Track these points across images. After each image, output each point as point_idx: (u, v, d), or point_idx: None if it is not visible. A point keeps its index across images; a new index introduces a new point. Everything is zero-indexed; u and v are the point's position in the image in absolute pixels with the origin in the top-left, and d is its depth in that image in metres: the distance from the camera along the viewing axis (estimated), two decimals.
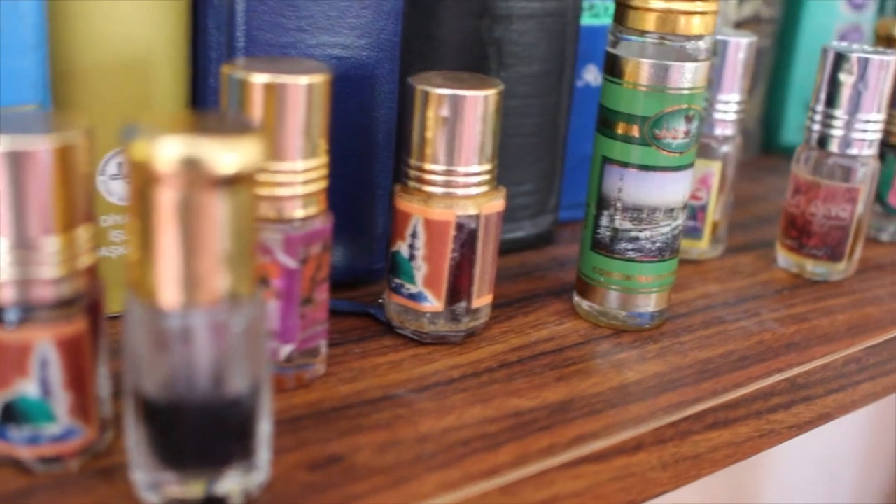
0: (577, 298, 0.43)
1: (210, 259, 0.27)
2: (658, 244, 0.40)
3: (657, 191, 0.40)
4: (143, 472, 0.29)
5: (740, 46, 0.47)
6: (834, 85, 0.46)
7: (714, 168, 0.48)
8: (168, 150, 0.26)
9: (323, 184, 0.35)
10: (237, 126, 0.27)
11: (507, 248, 0.48)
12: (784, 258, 0.49)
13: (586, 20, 0.49)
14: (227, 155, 0.26)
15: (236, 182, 0.26)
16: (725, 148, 0.48)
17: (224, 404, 0.28)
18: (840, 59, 0.46)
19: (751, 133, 0.66)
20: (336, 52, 0.39)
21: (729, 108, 0.48)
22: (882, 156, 0.53)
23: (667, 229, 0.40)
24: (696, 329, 0.42)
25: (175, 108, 0.38)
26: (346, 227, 0.42)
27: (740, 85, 0.47)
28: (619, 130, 0.39)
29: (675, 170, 0.40)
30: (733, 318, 0.44)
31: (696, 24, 0.39)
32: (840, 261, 0.48)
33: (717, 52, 0.47)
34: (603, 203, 0.40)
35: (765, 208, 0.58)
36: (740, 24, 0.62)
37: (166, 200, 0.26)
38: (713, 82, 0.47)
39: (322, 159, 0.34)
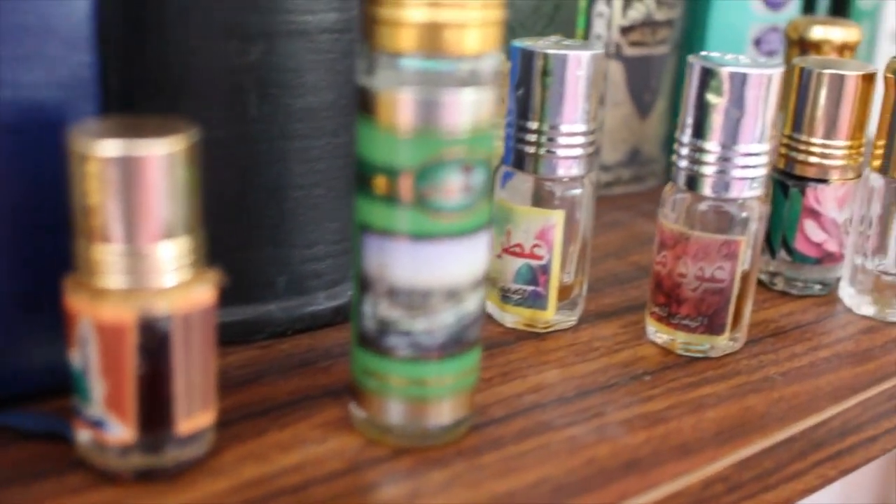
0: (352, 404, 0.32)
1: None
2: (440, 339, 0.30)
3: (431, 268, 0.29)
4: None
5: (581, 62, 0.36)
6: (702, 109, 0.36)
7: (555, 218, 0.37)
8: None
9: None
10: None
11: (295, 328, 0.38)
12: (653, 330, 0.39)
13: None
14: None
15: None
16: (573, 191, 0.38)
17: None
18: (707, 75, 0.35)
19: (650, 159, 0.55)
20: None
21: (573, 141, 0.37)
22: (784, 190, 0.43)
23: (451, 319, 0.30)
24: (507, 443, 0.32)
25: None
26: (41, 319, 0.32)
27: (585, 110, 0.37)
28: (378, 189, 0.29)
29: (453, 238, 0.29)
30: (564, 423, 0.33)
31: (473, 39, 0.28)
32: (720, 333, 0.37)
33: (552, 70, 0.36)
34: (365, 285, 0.30)
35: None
36: (629, 30, 0.51)
37: None
38: (551, 110, 0.37)
39: None
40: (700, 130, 0.36)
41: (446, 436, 0.31)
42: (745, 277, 0.37)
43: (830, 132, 0.42)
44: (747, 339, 0.39)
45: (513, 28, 0.46)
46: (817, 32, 0.48)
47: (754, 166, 0.36)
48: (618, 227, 0.50)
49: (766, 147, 0.36)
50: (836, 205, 0.42)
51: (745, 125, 0.35)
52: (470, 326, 0.30)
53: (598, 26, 0.50)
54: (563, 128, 0.37)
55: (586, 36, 0.50)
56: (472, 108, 0.28)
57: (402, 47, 0.28)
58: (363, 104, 0.29)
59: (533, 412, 0.34)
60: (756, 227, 0.37)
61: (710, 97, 0.35)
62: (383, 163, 0.29)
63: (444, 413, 0.31)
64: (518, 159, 0.38)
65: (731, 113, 0.35)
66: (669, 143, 0.56)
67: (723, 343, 0.38)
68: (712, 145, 0.36)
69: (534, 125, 0.37)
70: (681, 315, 0.37)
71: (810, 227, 0.42)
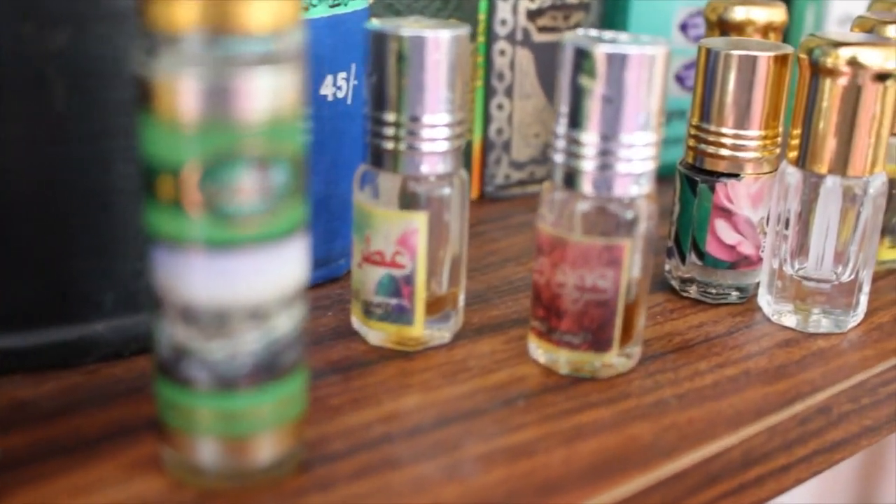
0: (161, 443, 0.28)
1: None
2: (247, 366, 0.26)
3: (228, 283, 0.25)
4: None
5: (440, 44, 0.32)
6: (577, 95, 0.31)
7: (416, 222, 0.33)
8: None
9: None
10: None
11: (130, 350, 0.33)
12: (535, 347, 0.34)
13: None
14: None
15: None
16: (442, 190, 0.33)
17: None
18: (580, 56, 0.31)
19: None
20: None
21: (436, 133, 0.33)
22: (692, 186, 0.38)
23: (257, 343, 0.26)
24: (339, 483, 0.27)
25: None
26: None
27: (449, 99, 0.33)
28: (164, 193, 0.25)
29: (253, 247, 0.25)
30: (412, 459, 0.29)
31: (265, 13, 0.24)
32: (607, 350, 0.33)
33: (408, 55, 0.32)
34: (158, 305, 0.26)
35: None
36: (537, 14, 0.47)
37: None
38: (410, 99, 0.32)
39: None
40: (576, 120, 0.31)
41: (268, 476, 0.27)
42: (637, 287, 0.33)
43: (742, 121, 0.37)
44: (645, 356, 0.35)
45: (398, 11, 0.42)
46: (738, 13, 0.44)
47: (640, 160, 0.32)
48: (524, 230, 0.46)
49: (652, 137, 0.32)
50: (750, 202, 0.38)
51: (627, 113, 0.31)
52: (284, 351, 0.26)
53: (503, 10, 0.46)
54: (425, 119, 0.33)
55: (489, 21, 0.46)
56: (268, 95, 0.24)
57: (181, 25, 0.24)
58: (141, 95, 0.25)
59: (380, 446, 0.29)
60: (645, 229, 0.32)
61: (584, 81, 0.31)
62: (167, 162, 0.24)
63: (262, 450, 0.27)
64: (375, 156, 0.33)
65: (609, 99, 0.31)
66: None
67: (613, 361, 0.33)
68: (590, 136, 0.31)
69: (391, 117, 0.33)
70: (561, 330, 0.33)
71: (722, 228, 0.38)
